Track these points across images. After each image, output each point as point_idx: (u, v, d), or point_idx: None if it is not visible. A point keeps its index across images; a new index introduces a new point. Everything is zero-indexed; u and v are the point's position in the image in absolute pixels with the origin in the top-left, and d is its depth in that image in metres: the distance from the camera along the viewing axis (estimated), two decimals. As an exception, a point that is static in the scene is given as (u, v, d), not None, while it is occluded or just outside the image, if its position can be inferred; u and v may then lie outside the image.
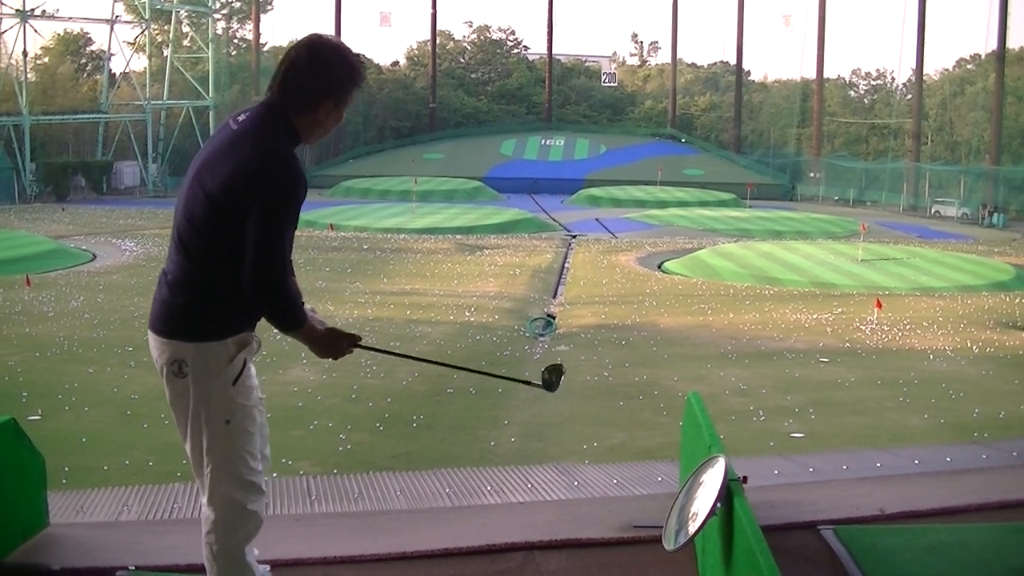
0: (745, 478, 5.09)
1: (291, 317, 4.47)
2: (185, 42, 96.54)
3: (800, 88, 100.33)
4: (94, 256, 41.44)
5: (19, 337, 21.83)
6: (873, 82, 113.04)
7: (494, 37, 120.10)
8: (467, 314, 26.95)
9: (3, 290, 29.68)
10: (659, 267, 41.24)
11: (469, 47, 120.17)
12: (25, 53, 76.32)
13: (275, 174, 4.23)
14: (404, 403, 16.55)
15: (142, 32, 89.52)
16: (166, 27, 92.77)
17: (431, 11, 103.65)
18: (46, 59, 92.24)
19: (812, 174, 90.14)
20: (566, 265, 41.14)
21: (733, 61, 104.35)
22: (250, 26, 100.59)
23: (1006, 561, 5.94)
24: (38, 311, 25.80)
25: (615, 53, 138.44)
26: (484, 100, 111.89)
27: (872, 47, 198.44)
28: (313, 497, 10.18)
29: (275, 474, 10.86)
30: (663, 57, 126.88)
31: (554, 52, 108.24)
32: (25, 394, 16.06)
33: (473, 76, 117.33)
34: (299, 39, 4.54)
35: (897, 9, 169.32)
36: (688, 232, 55.31)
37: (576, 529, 6.35)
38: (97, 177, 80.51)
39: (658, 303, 30.20)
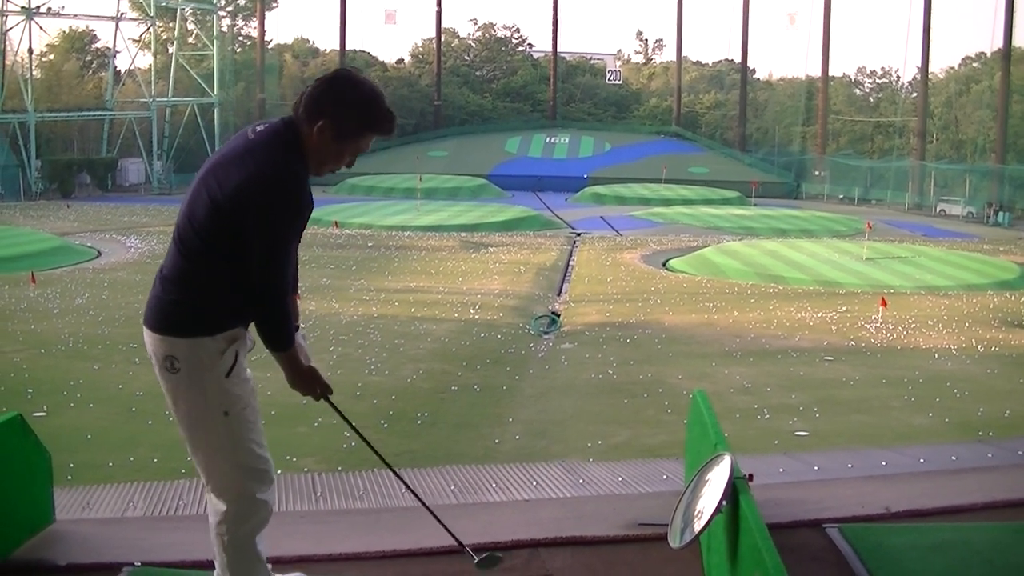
0: (751, 476, 5.09)
1: (277, 336, 4.50)
2: (190, 39, 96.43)
3: (805, 86, 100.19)
4: (99, 253, 41.45)
5: (24, 334, 21.85)
6: (878, 80, 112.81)
7: (499, 35, 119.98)
8: (472, 312, 26.95)
9: (8, 287, 29.71)
10: (664, 265, 41.19)
11: (474, 45, 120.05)
12: (31, 50, 76.43)
13: (279, 192, 4.26)
14: (408, 400, 16.56)
15: (147, 29, 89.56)
16: (171, 24, 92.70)
17: (436, 9, 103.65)
18: (51, 56, 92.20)
19: (817, 172, 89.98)
20: (571, 263, 41.10)
21: (738, 59, 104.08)
22: (255, 23, 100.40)
23: (1011, 560, 5.94)
24: (43, 308, 25.83)
25: (620, 51, 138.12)
26: (489, 98, 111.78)
27: (877, 45, 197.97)
28: (319, 494, 10.19)
29: (280, 471, 10.85)
30: (668, 55, 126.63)
31: (559, 50, 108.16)
32: (30, 391, 16.09)
33: (478, 74, 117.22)
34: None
35: (903, 7, 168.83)
36: (693, 230, 55.24)
37: (581, 527, 6.35)
38: (102, 174, 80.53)
39: (663, 301, 30.18)
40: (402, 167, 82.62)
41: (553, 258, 41.99)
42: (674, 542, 5.12)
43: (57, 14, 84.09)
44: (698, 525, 4.85)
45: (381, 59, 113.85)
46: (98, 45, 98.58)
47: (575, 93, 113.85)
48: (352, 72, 4.52)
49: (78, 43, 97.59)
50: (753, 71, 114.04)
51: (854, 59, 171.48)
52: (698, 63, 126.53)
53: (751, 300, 30.64)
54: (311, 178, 4.45)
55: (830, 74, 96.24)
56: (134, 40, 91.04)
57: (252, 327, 4.59)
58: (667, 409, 15.87)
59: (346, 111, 4.41)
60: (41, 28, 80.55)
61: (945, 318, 26.37)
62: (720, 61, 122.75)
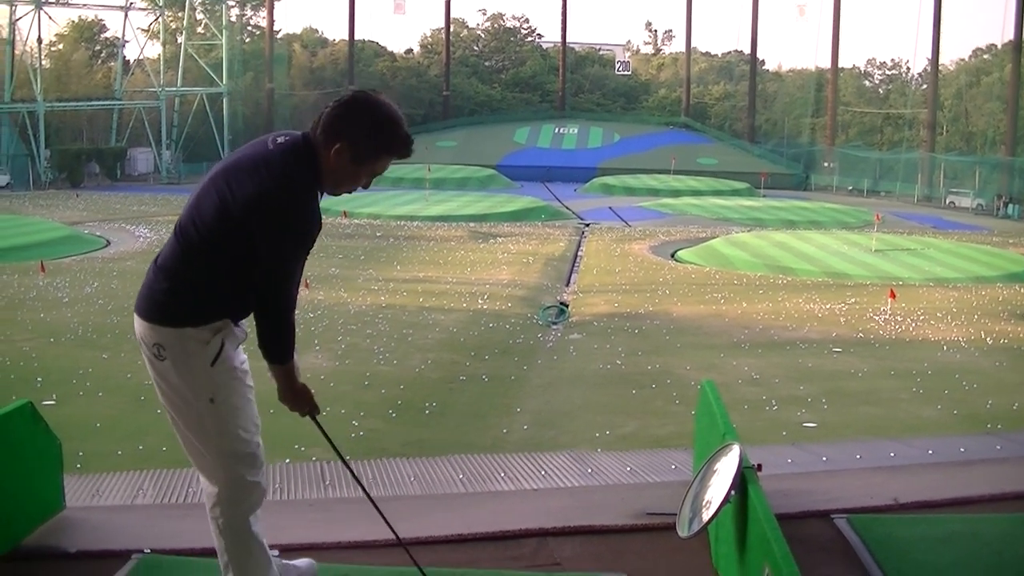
0: (759, 466, 5.09)
1: (276, 349, 4.50)
2: (199, 29, 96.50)
3: (815, 77, 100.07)
4: (108, 242, 41.55)
5: (34, 323, 21.91)
6: (888, 72, 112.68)
7: (508, 25, 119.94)
8: (480, 302, 26.97)
9: (18, 276, 29.78)
10: (672, 256, 41.20)
11: (483, 35, 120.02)
12: (40, 40, 76.62)
13: (290, 210, 4.25)
14: (416, 391, 16.58)
15: (156, 19, 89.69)
16: (180, 14, 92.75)
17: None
18: (60, 46, 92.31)
19: (826, 164, 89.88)
20: (579, 253, 41.12)
21: (747, 50, 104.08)
22: (264, 13, 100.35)
23: (1020, 551, 5.93)
24: (52, 297, 25.89)
25: (629, 42, 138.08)
26: (498, 88, 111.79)
27: (887, 37, 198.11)
28: (327, 482, 10.21)
29: (288, 460, 10.89)
30: (677, 46, 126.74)
31: (568, 40, 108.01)
32: (40, 379, 16.13)
33: (487, 64, 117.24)
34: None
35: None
36: (701, 221, 55.23)
37: (589, 516, 6.35)
38: (111, 164, 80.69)
39: (671, 292, 30.19)
40: (411, 157, 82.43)
41: (562, 248, 42.00)
42: (682, 531, 5.12)
43: (66, 3, 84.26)
44: (706, 515, 4.85)
45: (390, 49, 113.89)
46: (107, 35, 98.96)
47: (584, 84, 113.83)
48: (370, 95, 4.48)
49: (87, 33, 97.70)
50: (762, 62, 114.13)
51: (864, 51, 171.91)
52: (707, 54, 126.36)
53: (760, 291, 30.63)
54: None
55: (840, 66, 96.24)
56: (143, 30, 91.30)
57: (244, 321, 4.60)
58: (675, 400, 15.88)
59: (363, 134, 4.39)
60: (50, 18, 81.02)
61: (954, 310, 26.34)
62: (729, 52, 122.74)
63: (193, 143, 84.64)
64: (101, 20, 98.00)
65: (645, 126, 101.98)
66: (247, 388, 4.65)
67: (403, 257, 37.78)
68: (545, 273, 34.46)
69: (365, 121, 4.38)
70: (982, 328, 23.26)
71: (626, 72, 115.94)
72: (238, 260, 4.28)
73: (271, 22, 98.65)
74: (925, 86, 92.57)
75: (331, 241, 39.59)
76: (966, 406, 15.66)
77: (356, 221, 50.26)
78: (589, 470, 10.70)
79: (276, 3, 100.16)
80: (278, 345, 4.46)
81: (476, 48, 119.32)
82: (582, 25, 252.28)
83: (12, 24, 75.91)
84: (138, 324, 4.52)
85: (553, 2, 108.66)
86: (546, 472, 10.60)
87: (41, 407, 6.00)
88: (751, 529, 4.48)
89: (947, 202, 73.98)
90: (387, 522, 5.04)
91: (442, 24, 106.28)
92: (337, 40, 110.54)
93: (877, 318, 24.71)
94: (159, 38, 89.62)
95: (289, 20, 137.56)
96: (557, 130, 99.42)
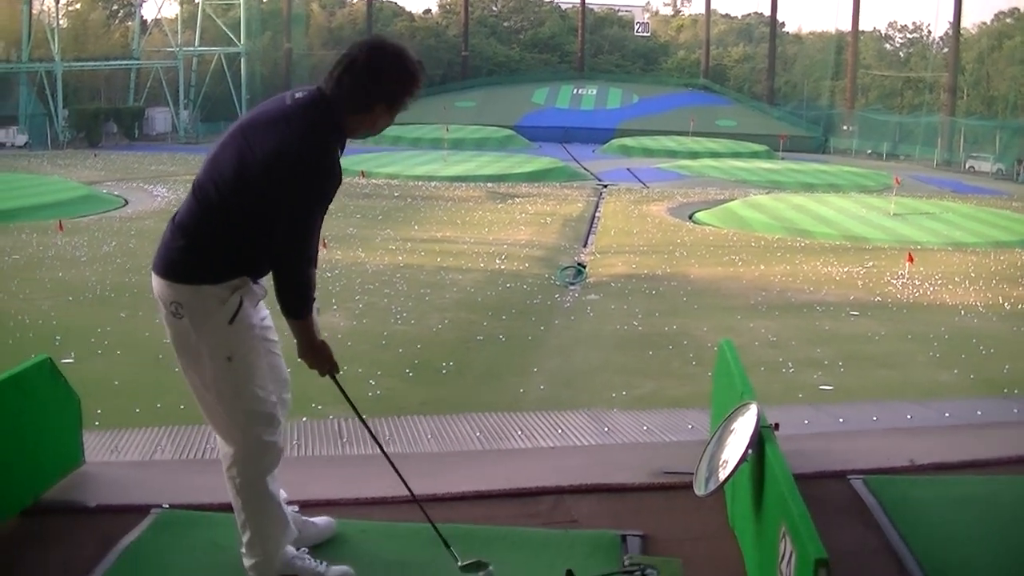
0: (777, 425, 5.09)
1: (297, 306, 4.47)
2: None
3: (835, 40, 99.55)
4: (126, 202, 41.65)
5: (52, 282, 21.98)
6: (909, 35, 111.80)
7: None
8: (498, 262, 26.97)
9: (36, 235, 29.88)
10: (690, 218, 41.14)
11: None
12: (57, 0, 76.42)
13: (314, 164, 4.25)
14: (434, 350, 16.60)
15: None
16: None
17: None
18: (78, 5, 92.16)
19: (845, 127, 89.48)
20: (597, 214, 41.08)
21: (767, 12, 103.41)
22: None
23: (1036, 513, 5.93)
24: (71, 256, 25.97)
25: (649, 3, 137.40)
26: (516, 49, 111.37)
27: (909, 0, 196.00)
28: (344, 439, 10.23)
29: (305, 418, 10.92)
30: (697, 7, 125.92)
31: (587, 1, 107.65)
32: (58, 338, 16.20)
33: (506, 24, 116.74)
34: (363, 39, 4.54)
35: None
36: (720, 183, 55.09)
37: (606, 474, 6.37)
38: (129, 123, 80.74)
39: (689, 254, 30.15)
40: (429, 117, 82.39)
41: (579, 209, 41.96)
42: (699, 490, 5.13)
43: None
44: (723, 474, 4.85)
45: (408, 9, 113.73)
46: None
47: (603, 45, 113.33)
48: (382, 44, 4.47)
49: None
50: (782, 24, 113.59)
51: (885, 14, 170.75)
52: (727, 16, 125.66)
53: (777, 254, 30.57)
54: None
55: (860, 29, 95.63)
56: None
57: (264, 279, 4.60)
58: (692, 361, 15.88)
59: (395, 91, 4.44)
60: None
61: (972, 275, 26.25)
62: (749, 14, 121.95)
63: (211, 103, 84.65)
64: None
65: (664, 87, 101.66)
66: (269, 344, 4.67)
67: (421, 217, 37.79)
68: (563, 234, 34.44)
69: (392, 76, 4.40)
70: (1000, 293, 23.18)
71: (645, 34, 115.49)
72: (257, 217, 4.27)
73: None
74: (946, 50, 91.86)
75: (349, 201, 39.58)
76: (983, 371, 15.61)
77: (374, 181, 50.27)
78: (606, 429, 10.70)
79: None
80: (296, 300, 4.44)
81: (495, 8, 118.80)
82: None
83: (30, -16, 75.93)
84: (156, 282, 4.51)
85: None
86: (563, 430, 10.61)
87: (60, 365, 6.02)
88: (768, 488, 4.48)
89: (967, 166, 73.58)
90: (402, 478, 5.05)
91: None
92: (355, 0, 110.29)
93: (895, 282, 24.64)
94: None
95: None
96: (576, 91, 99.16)
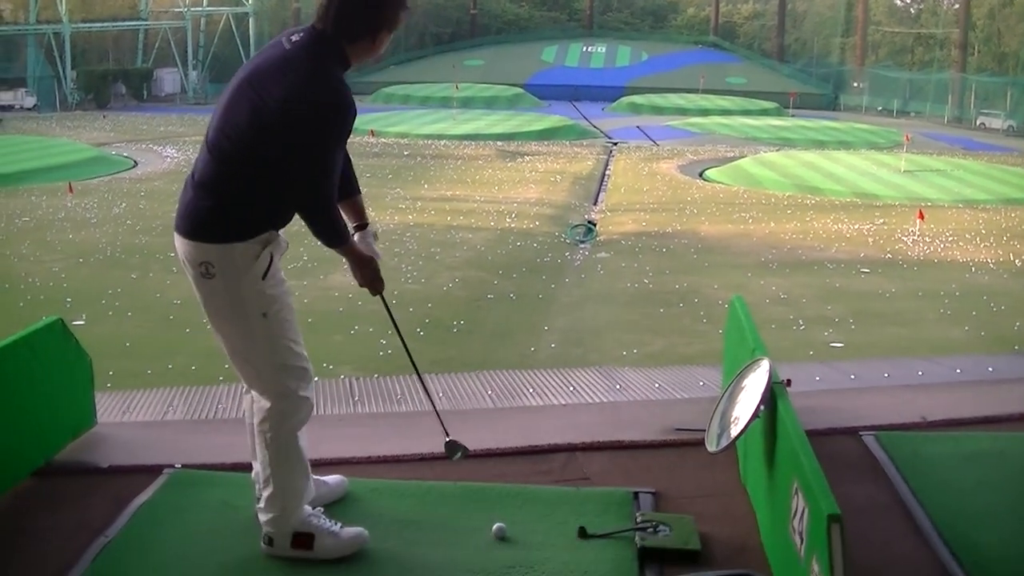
0: (788, 381, 5.09)
1: (336, 235, 4.56)
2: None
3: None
4: (135, 163, 41.64)
5: (63, 243, 22.03)
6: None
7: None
8: (508, 220, 26.96)
9: (46, 197, 29.91)
10: (700, 175, 41.04)
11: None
12: (64, -41, 76.16)
13: (330, 100, 4.26)
14: (444, 309, 16.63)
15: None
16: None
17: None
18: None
19: (856, 84, 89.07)
20: (607, 172, 40.99)
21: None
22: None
23: (1048, 469, 5.94)
24: (81, 218, 26.01)
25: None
26: (525, 6, 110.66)
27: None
28: (356, 398, 10.25)
29: (317, 378, 10.91)
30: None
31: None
32: (69, 300, 16.26)
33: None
34: None
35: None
36: (730, 140, 54.94)
37: (618, 431, 6.37)
38: (137, 84, 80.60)
39: (699, 211, 30.12)
40: (438, 76, 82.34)
41: (589, 167, 41.88)
42: (711, 447, 5.13)
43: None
44: (735, 430, 4.85)
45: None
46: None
47: (612, 2, 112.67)
48: None
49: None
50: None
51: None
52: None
53: (787, 211, 30.52)
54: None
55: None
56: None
57: (284, 229, 4.61)
58: (703, 319, 15.90)
59: (393, 14, 4.45)
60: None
61: (983, 232, 26.18)
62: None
63: (220, 63, 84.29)
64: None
65: (674, 45, 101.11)
66: (292, 300, 4.69)
67: (431, 176, 37.76)
68: (573, 192, 34.40)
69: (393, 1, 4.44)
70: (1011, 250, 23.12)
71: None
72: (276, 164, 4.27)
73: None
74: (957, 5, 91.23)
75: (358, 160, 38.82)
76: (994, 327, 15.60)
77: (384, 140, 50.19)
78: (617, 386, 10.70)
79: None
80: (332, 230, 4.54)
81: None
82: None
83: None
84: (181, 244, 4.49)
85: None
86: (574, 388, 10.60)
87: (71, 327, 6.03)
88: (780, 444, 4.48)
89: (977, 123, 73.16)
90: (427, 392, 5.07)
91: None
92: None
93: (905, 239, 24.60)
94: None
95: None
96: (585, 49, 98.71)
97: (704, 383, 10.35)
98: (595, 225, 26.53)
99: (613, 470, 5.76)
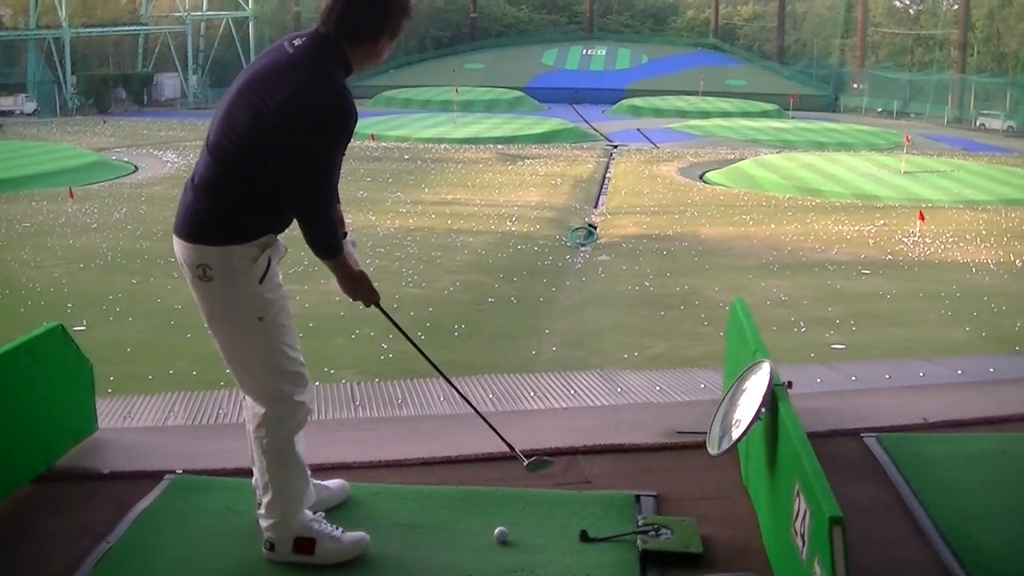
0: (789, 383, 5.08)
1: (328, 246, 4.56)
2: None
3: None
4: (136, 168, 41.65)
5: (63, 249, 22.02)
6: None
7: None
8: (508, 224, 26.94)
9: (47, 202, 29.91)
10: (701, 177, 41.06)
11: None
12: (64, -36, 76.21)
13: (332, 105, 4.27)
14: (445, 312, 16.60)
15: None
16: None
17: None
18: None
19: (856, 85, 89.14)
20: (607, 175, 40.99)
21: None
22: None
23: (1049, 469, 5.94)
24: (81, 223, 26.00)
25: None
26: (525, 10, 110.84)
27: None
28: (357, 403, 10.24)
29: (318, 382, 10.93)
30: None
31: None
32: (70, 305, 16.23)
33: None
34: None
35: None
36: (730, 142, 54.95)
37: (619, 434, 6.38)
38: (138, 89, 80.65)
39: (699, 213, 30.12)
40: (438, 79, 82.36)
41: (590, 170, 41.88)
42: (712, 450, 5.13)
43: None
44: (736, 433, 4.85)
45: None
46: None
47: (612, 5, 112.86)
48: None
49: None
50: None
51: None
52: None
53: (788, 213, 30.51)
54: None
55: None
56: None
57: (283, 234, 4.61)
58: (704, 321, 15.87)
59: (396, 19, 4.47)
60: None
61: (983, 233, 26.16)
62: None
63: (220, 67, 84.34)
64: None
65: (673, 47, 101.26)
66: (289, 306, 4.69)
67: (431, 179, 37.76)
68: (573, 195, 34.38)
69: (391, 5, 4.43)
70: (1011, 251, 23.09)
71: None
72: (276, 168, 4.28)
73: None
74: (956, 6, 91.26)
75: (359, 164, 39.53)
76: (995, 328, 15.57)
77: (384, 144, 50.21)
78: (619, 389, 10.68)
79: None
80: (328, 240, 4.54)
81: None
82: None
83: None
84: (179, 246, 4.50)
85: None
86: (575, 391, 10.59)
87: (72, 332, 6.03)
88: (782, 446, 4.48)
89: (977, 124, 73.15)
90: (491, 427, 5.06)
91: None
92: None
93: (906, 240, 24.58)
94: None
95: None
96: (585, 52, 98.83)
97: (705, 385, 10.34)
98: (596, 228, 26.51)
99: (614, 473, 5.77)
